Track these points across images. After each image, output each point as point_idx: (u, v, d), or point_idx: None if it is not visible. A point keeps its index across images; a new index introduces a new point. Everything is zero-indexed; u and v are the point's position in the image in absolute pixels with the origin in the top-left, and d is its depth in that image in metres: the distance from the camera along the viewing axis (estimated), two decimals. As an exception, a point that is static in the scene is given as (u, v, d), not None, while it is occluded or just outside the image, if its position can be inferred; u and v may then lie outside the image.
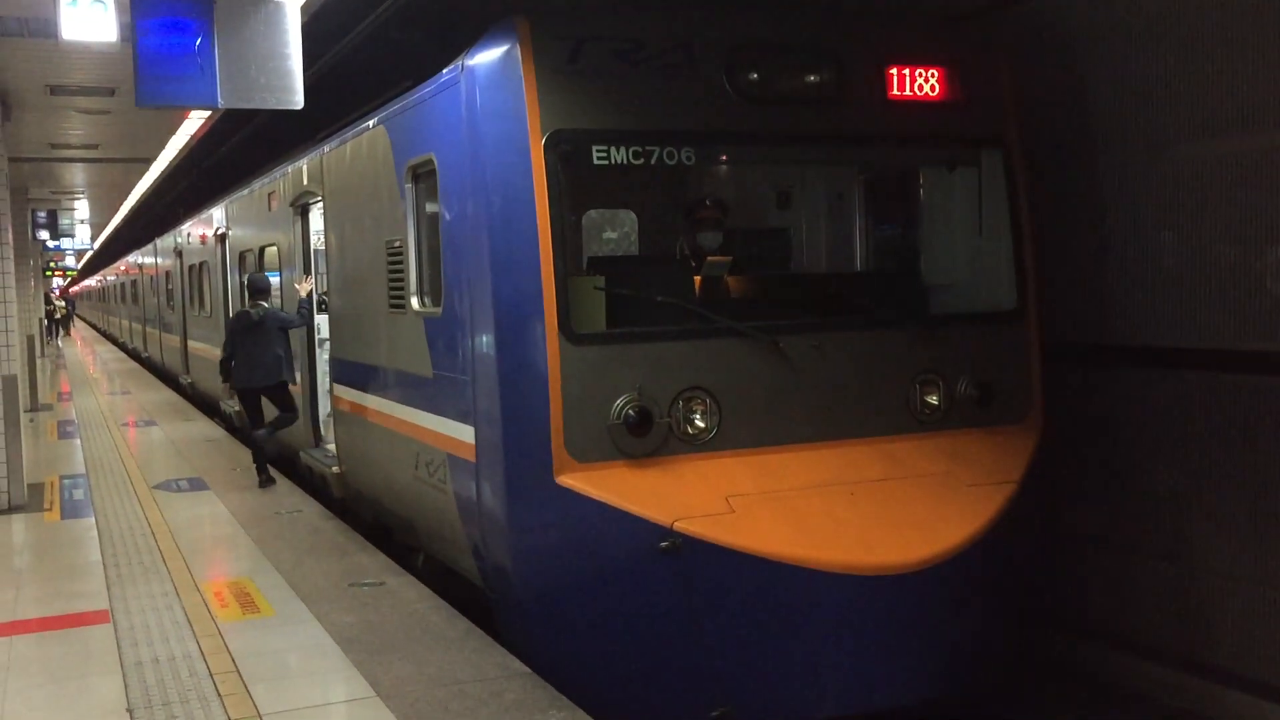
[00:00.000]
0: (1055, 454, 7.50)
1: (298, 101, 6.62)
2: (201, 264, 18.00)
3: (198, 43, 6.39)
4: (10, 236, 10.68)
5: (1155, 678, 7.36)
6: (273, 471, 11.46)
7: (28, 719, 5.51)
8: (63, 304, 50.60)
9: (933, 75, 7.04)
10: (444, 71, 7.00)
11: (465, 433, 6.73)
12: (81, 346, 41.75)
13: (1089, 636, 7.88)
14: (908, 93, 6.98)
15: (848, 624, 6.06)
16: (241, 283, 14.52)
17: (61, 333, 47.25)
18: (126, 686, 5.81)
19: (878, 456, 6.73)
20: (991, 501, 6.58)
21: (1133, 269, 7.51)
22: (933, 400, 6.98)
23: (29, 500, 10.70)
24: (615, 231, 9.17)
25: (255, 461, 11.41)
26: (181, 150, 15.87)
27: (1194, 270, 7.13)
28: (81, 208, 26.57)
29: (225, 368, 11.64)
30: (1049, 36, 7.92)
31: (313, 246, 11.24)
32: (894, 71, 6.95)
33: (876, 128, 7.00)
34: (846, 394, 6.76)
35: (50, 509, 10.51)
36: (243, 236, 14.45)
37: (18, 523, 10.01)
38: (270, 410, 11.22)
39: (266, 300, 11.41)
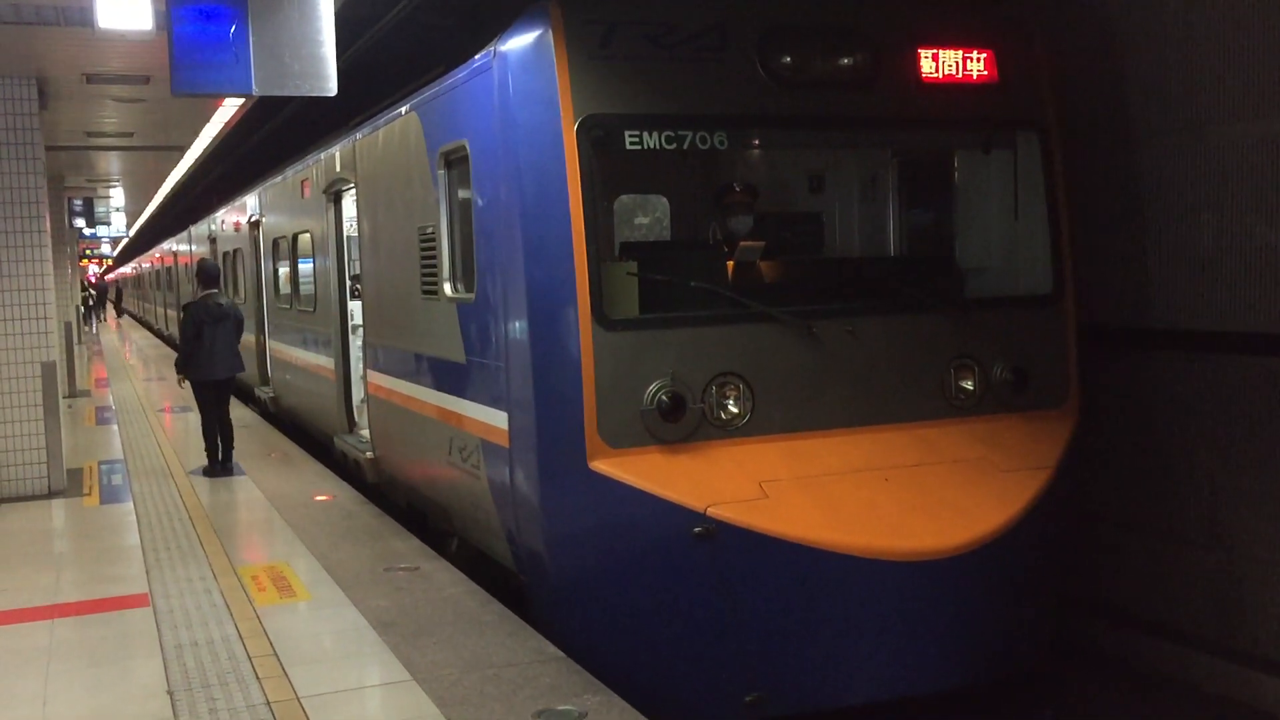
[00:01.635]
0: (1092, 439, 7.43)
1: (331, 88, 6.63)
2: (235, 251, 18.13)
3: (232, 30, 6.40)
4: (48, 224, 10.78)
5: (1193, 664, 7.29)
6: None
7: (70, 701, 5.58)
8: (93, 292, 50.42)
9: (967, 57, 6.97)
10: (476, 57, 6.99)
11: (499, 418, 6.74)
12: (116, 332, 42.17)
13: (1126, 623, 7.82)
14: (942, 75, 6.92)
15: (882, 610, 6.04)
16: (274, 270, 14.65)
17: (97, 320, 47.64)
18: (166, 669, 5.88)
19: (912, 442, 6.69)
20: (1027, 487, 6.53)
21: (1171, 251, 7.42)
22: (968, 385, 6.93)
23: (68, 485, 10.83)
24: (647, 216, 9.15)
25: (226, 448, 11.38)
26: (215, 138, 15.96)
27: (1234, 253, 7.03)
28: (117, 195, 26.78)
29: (186, 361, 11.18)
30: (1085, 17, 7.82)
31: (345, 233, 11.30)
32: (928, 54, 6.88)
33: (911, 111, 6.94)
34: (881, 379, 6.72)
35: (89, 494, 10.64)
36: (276, 223, 14.54)
37: (58, 508, 10.14)
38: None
39: (217, 287, 11.46)
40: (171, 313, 32.19)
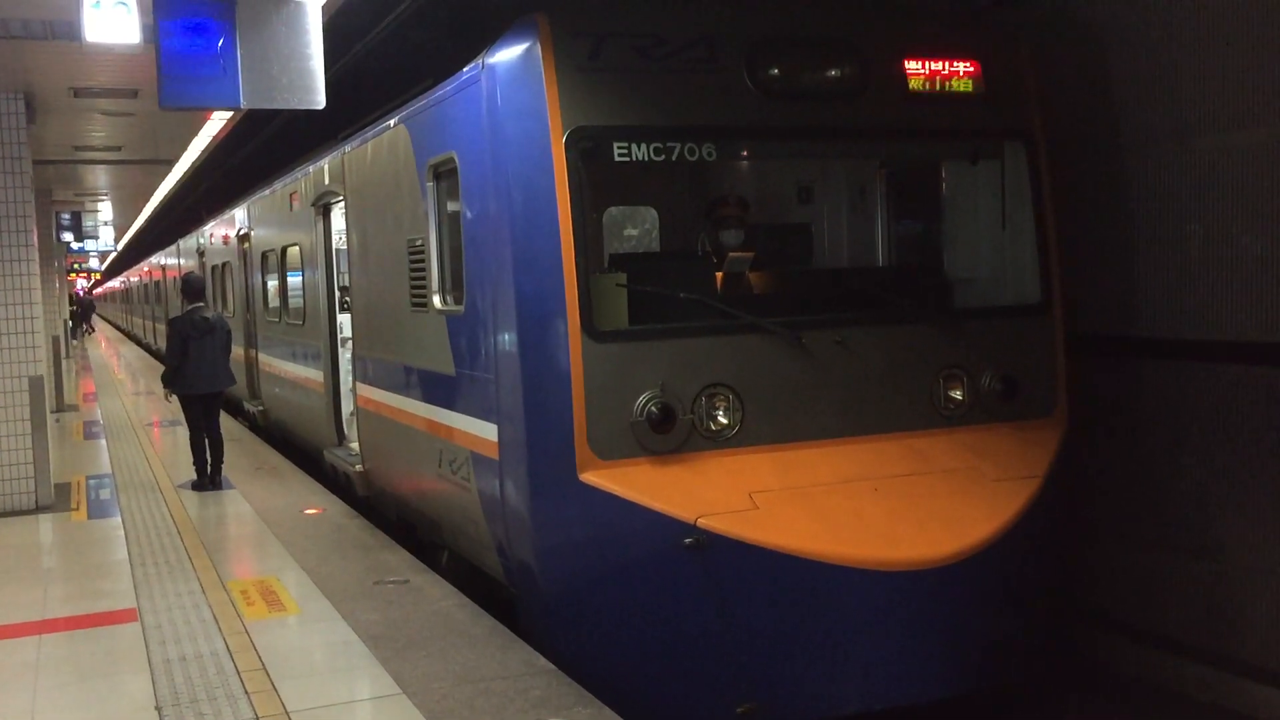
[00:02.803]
0: (1081, 448, 7.45)
1: (319, 101, 6.64)
2: (224, 264, 18.09)
3: (220, 44, 6.41)
4: (35, 239, 10.75)
5: (1183, 673, 7.30)
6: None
7: (58, 717, 5.55)
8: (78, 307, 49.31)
9: (954, 68, 7.01)
10: (464, 70, 7.00)
11: (488, 430, 6.74)
12: (105, 347, 42.03)
13: (1116, 632, 7.82)
14: (929, 86, 6.95)
15: (872, 620, 6.04)
16: (263, 283, 14.63)
17: (85, 333, 47.20)
18: (155, 684, 5.85)
19: (902, 452, 6.70)
20: (1017, 496, 6.54)
21: (1160, 261, 7.45)
22: (957, 395, 6.95)
23: (56, 500, 10.78)
24: (636, 228, 9.15)
25: (215, 462, 11.33)
26: (204, 151, 15.95)
27: (1222, 262, 7.07)
28: (105, 209, 26.74)
29: (172, 376, 11.14)
30: (1072, 28, 7.87)
31: (334, 246, 11.28)
32: (915, 64, 6.91)
33: (898, 121, 6.97)
34: (870, 389, 6.73)
35: (77, 509, 10.59)
36: (265, 237, 14.52)
37: (45, 523, 10.09)
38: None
39: (202, 300, 11.44)
40: (160, 326, 32.16)
